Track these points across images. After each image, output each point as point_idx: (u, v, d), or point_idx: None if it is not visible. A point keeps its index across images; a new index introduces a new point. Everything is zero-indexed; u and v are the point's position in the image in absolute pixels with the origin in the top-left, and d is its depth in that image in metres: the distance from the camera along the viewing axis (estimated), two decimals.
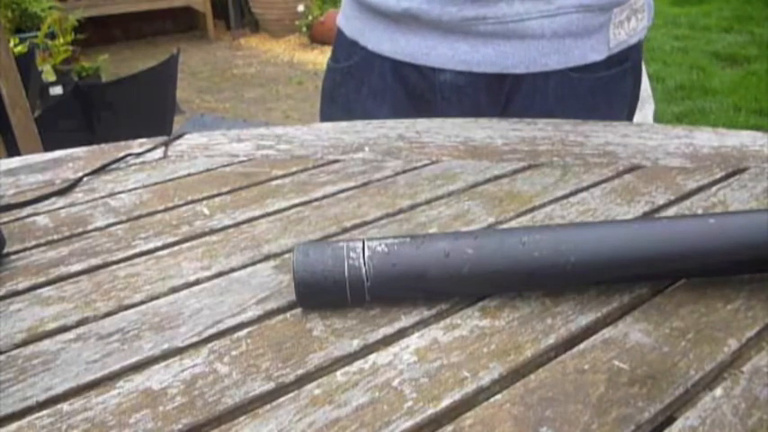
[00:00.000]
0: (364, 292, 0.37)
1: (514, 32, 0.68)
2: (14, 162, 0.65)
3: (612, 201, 0.51)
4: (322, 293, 0.38)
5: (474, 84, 0.73)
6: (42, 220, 0.52)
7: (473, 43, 0.71)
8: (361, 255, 0.37)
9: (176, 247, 0.47)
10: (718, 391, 0.32)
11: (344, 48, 0.80)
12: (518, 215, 0.50)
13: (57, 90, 2.94)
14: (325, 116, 0.83)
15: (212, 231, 0.49)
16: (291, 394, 0.33)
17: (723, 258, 0.38)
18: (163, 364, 0.35)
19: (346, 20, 0.81)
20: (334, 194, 0.54)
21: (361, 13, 0.76)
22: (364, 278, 0.37)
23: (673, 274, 0.40)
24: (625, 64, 0.75)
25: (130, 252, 0.46)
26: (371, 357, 0.35)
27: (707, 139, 0.63)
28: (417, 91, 0.75)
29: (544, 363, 0.34)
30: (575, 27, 0.69)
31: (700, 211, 0.49)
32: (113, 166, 0.62)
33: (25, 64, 2.30)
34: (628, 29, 0.72)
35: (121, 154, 0.63)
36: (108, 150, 0.66)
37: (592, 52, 0.71)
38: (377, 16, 0.74)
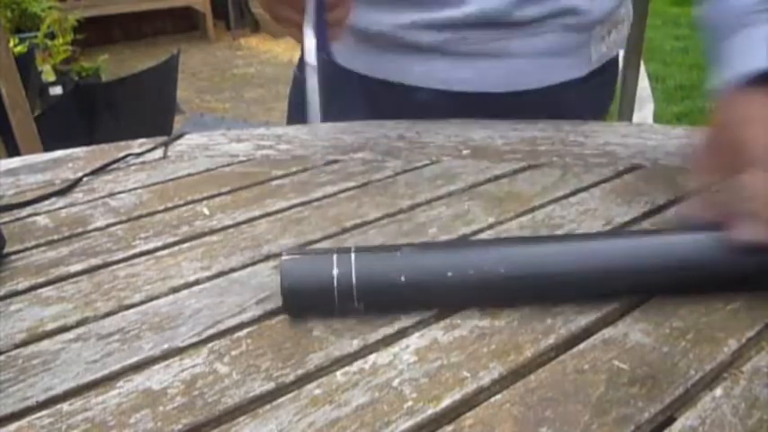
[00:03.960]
0: (353, 303, 0.37)
1: (494, 52, 0.67)
2: (14, 162, 0.65)
3: (612, 201, 0.51)
4: (309, 304, 0.38)
5: (449, 102, 0.69)
6: (42, 220, 0.52)
7: (452, 63, 0.67)
8: (351, 264, 0.37)
9: (176, 248, 0.47)
10: (718, 392, 0.32)
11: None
12: (518, 215, 0.50)
13: (56, 90, 2.94)
14: (293, 123, 0.77)
15: (212, 231, 0.49)
16: (291, 394, 0.33)
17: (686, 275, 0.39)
18: (163, 364, 0.35)
19: None
20: (334, 194, 0.54)
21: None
22: (353, 290, 0.37)
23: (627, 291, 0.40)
24: (605, 74, 0.74)
25: (130, 252, 0.46)
26: (371, 357, 0.35)
27: None
28: (386, 111, 0.71)
29: (544, 363, 0.34)
30: (556, 46, 0.67)
31: None
32: (113, 166, 0.62)
33: (25, 64, 2.30)
34: (609, 42, 0.71)
35: (121, 154, 0.63)
36: (108, 150, 0.66)
37: (572, 69, 0.69)
38: (348, 32, 0.69)
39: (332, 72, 0.71)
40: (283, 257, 0.38)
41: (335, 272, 0.37)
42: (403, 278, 0.37)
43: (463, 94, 0.68)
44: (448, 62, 0.67)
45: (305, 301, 0.37)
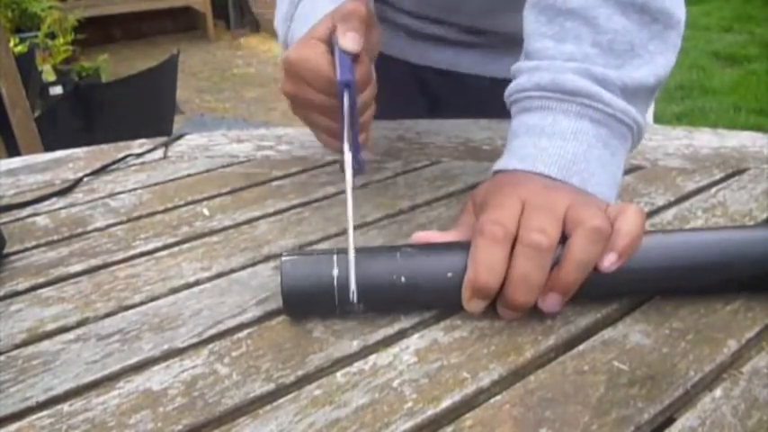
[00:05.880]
0: (353, 304, 0.37)
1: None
2: (14, 162, 0.65)
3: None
4: (309, 305, 0.38)
5: (500, 87, 0.73)
6: (42, 220, 0.52)
7: (499, 53, 0.72)
8: (351, 267, 0.37)
9: (176, 248, 0.47)
10: (718, 392, 0.32)
11: None
12: None
13: (57, 90, 2.94)
14: None
15: (212, 232, 0.49)
16: (291, 395, 0.33)
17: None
18: (163, 364, 0.35)
19: None
20: (334, 195, 0.54)
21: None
22: (352, 292, 0.37)
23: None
24: None
25: (130, 253, 0.46)
26: (371, 358, 0.35)
27: (707, 139, 0.63)
28: (436, 92, 0.76)
29: (544, 364, 0.34)
30: None
31: (699, 213, 0.49)
32: (113, 166, 0.62)
33: (26, 64, 2.30)
34: None
35: (121, 154, 0.63)
36: (108, 151, 0.66)
37: None
38: (393, 26, 0.74)
39: (387, 63, 0.76)
40: (283, 258, 0.38)
41: (335, 272, 0.37)
42: (403, 279, 0.37)
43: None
44: (495, 53, 0.72)
45: (305, 302, 0.37)
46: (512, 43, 0.71)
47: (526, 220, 0.37)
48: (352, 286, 0.36)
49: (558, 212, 0.37)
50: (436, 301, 0.38)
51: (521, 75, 0.46)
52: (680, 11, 0.46)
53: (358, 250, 0.38)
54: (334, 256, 0.37)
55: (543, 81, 0.44)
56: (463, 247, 0.38)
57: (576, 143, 0.41)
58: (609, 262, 0.36)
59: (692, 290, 0.39)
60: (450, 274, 0.37)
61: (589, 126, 0.42)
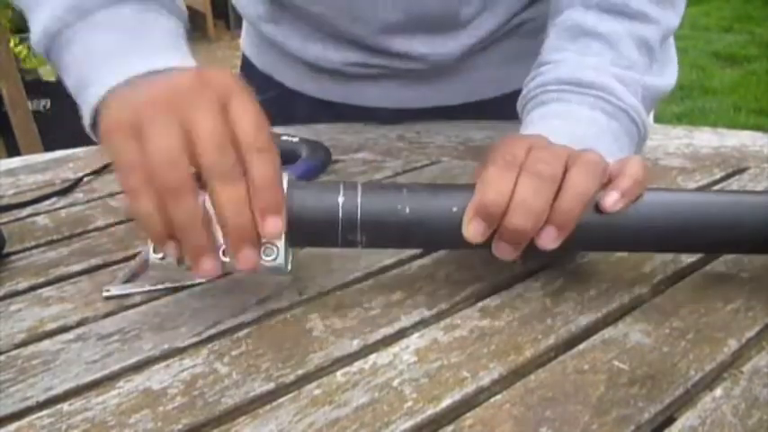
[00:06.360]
0: (356, 234, 0.37)
1: (448, 70, 0.65)
2: (14, 162, 0.65)
3: None
4: (313, 233, 0.37)
5: (411, 114, 0.69)
6: (42, 220, 0.52)
7: (404, 82, 0.67)
8: (357, 194, 0.37)
9: None
10: (718, 392, 0.32)
11: (256, 79, 0.72)
12: None
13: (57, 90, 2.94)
14: None
15: None
16: (291, 394, 0.33)
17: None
18: (163, 364, 0.35)
19: (256, 51, 0.74)
20: None
21: (271, 48, 0.70)
22: (357, 219, 0.36)
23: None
24: None
25: (130, 252, 0.46)
26: (371, 357, 0.35)
27: (707, 139, 0.63)
28: (350, 119, 0.71)
29: (544, 363, 0.34)
30: (512, 55, 0.64)
31: None
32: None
33: None
34: None
35: None
36: None
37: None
38: (292, 56, 0.68)
39: (281, 92, 0.71)
40: (289, 185, 0.37)
41: (341, 200, 0.36)
42: (407, 210, 0.37)
43: (421, 109, 0.69)
44: (400, 83, 0.67)
45: (308, 229, 0.37)
46: (417, 77, 0.66)
47: (531, 156, 0.37)
48: (357, 212, 0.36)
49: (561, 154, 0.37)
50: (438, 237, 0.38)
51: (539, 75, 0.47)
52: (673, 49, 0.51)
53: (365, 184, 0.38)
54: (341, 185, 0.37)
55: (563, 75, 0.45)
56: (470, 187, 0.37)
57: (588, 128, 0.43)
58: (612, 199, 0.36)
59: (698, 249, 0.39)
60: (455, 209, 0.37)
61: (602, 117, 0.43)
